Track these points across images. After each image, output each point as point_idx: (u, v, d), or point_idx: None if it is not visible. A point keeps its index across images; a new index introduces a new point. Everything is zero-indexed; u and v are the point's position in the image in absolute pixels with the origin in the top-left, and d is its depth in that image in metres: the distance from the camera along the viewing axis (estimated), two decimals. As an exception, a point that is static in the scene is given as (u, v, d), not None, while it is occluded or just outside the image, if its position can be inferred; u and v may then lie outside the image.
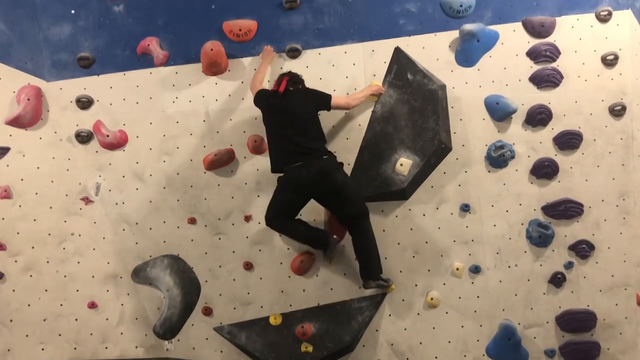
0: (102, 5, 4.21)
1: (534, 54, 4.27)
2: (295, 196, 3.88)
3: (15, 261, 4.19)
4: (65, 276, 4.21)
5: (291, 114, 3.81)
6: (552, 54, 4.26)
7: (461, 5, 4.24)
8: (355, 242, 3.96)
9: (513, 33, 4.28)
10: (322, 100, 3.93)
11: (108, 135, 4.18)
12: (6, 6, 4.18)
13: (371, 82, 4.22)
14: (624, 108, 4.28)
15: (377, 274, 3.96)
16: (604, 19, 4.28)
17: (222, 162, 4.22)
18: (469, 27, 4.19)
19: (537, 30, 4.26)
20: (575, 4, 4.28)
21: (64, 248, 4.21)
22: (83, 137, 4.20)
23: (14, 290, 4.18)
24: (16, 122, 4.14)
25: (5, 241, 4.18)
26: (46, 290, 4.20)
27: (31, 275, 4.20)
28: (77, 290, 4.21)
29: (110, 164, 4.22)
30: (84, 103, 4.21)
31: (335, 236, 4.06)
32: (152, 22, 4.22)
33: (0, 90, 4.19)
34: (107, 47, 4.22)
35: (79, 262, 4.22)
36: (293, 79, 3.93)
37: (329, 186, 3.80)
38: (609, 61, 4.28)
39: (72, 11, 4.20)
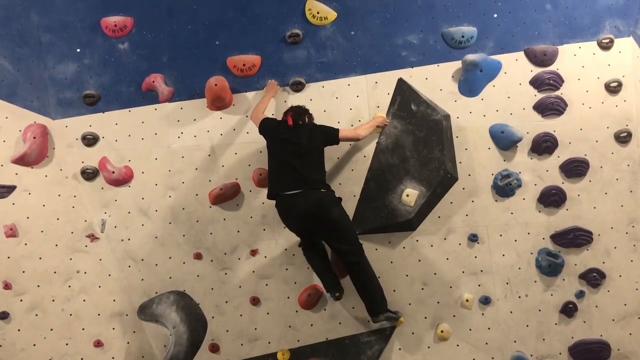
0: (107, 43, 4.25)
1: (537, 83, 4.28)
2: (293, 224, 3.87)
3: (21, 300, 4.16)
4: (70, 314, 4.18)
5: (297, 144, 3.79)
6: (556, 82, 4.27)
7: (463, 36, 4.26)
8: (355, 282, 3.91)
9: (516, 62, 4.30)
10: (331, 135, 3.91)
11: (114, 172, 4.19)
12: (12, 45, 4.24)
13: (375, 114, 4.23)
14: (629, 134, 4.27)
15: (382, 309, 3.91)
16: (606, 47, 4.30)
17: (228, 196, 4.21)
18: (471, 57, 4.21)
19: (540, 58, 4.28)
20: (576, 33, 4.30)
21: (69, 286, 4.19)
22: (89, 174, 4.20)
23: (19, 330, 4.14)
24: (22, 160, 4.16)
25: (10, 280, 4.16)
26: (52, 329, 4.16)
27: (36, 314, 4.16)
28: (83, 329, 4.17)
29: (115, 200, 4.22)
30: (90, 140, 4.23)
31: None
32: (156, 59, 4.26)
33: (6, 129, 4.21)
34: (112, 84, 4.26)
35: (84, 300, 4.19)
36: (297, 112, 3.93)
37: (324, 219, 3.75)
38: (613, 88, 4.28)
39: (78, 50, 4.25)
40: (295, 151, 3.78)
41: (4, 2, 4.22)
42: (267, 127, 3.93)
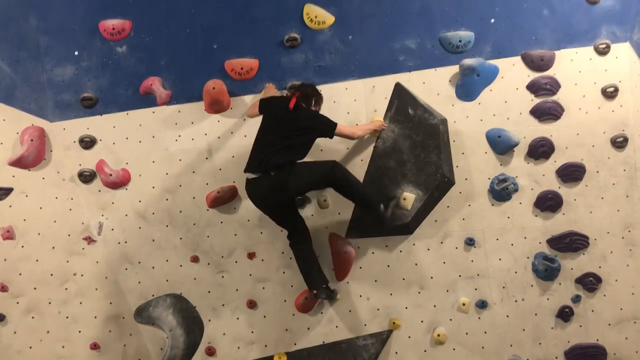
0: (105, 46, 4.26)
1: (534, 87, 4.29)
2: (266, 210, 3.85)
3: (17, 302, 4.16)
4: (67, 317, 4.18)
5: (289, 127, 3.70)
6: (552, 87, 4.28)
7: (460, 41, 4.28)
8: (343, 193, 3.85)
9: (513, 67, 4.31)
10: (328, 128, 3.82)
11: (111, 175, 4.19)
12: (10, 48, 4.24)
13: (373, 118, 4.24)
14: (625, 140, 4.28)
15: (373, 203, 3.92)
16: (602, 52, 4.31)
17: (225, 199, 4.21)
18: (468, 61, 4.22)
19: (537, 63, 4.29)
20: (573, 38, 4.32)
21: (66, 288, 4.19)
22: (86, 177, 4.20)
23: (15, 333, 4.15)
24: (19, 162, 4.16)
25: (7, 282, 4.16)
26: (48, 332, 4.16)
27: (33, 317, 4.16)
28: (79, 332, 4.17)
29: (113, 203, 4.22)
30: (87, 143, 4.23)
31: (335, 290, 4.08)
32: (154, 62, 4.26)
33: (3, 132, 4.22)
34: (110, 87, 4.26)
35: (81, 303, 4.19)
36: (304, 95, 3.82)
37: (288, 196, 3.73)
38: (609, 93, 4.30)
39: (76, 52, 4.25)
40: (285, 134, 3.69)
41: (3, 5, 4.21)
42: (269, 103, 3.87)
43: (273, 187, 3.65)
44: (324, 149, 4.18)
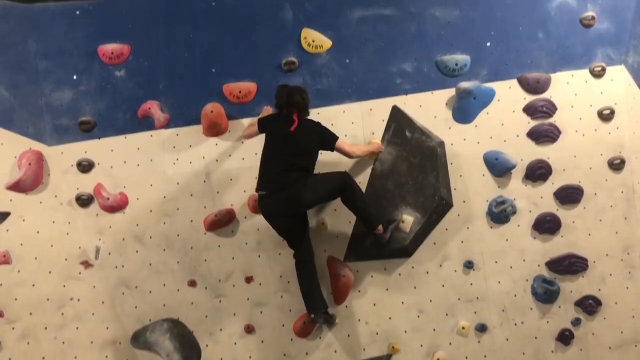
0: (104, 70, 4.28)
1: (530, 110, 4.32)
2: (278, 226, 3.88)
3: (13, 328, 4.12)
4: (63, 342, 4.13)
5: (294, 145, 3.73)
6: (549, 109, 4.31)
7: (456, 64, 4.31)
8: (348, 202, 3.88)
9: (509, 90, 4.34)
10: (328, 141, 3.88)
11: (108, 198, 4.18)
12: (9, 72, 4.26)
13: (370, 141, 4.25)
14: (622, 161, 4.29)
15: (377, 223, 3.92)
16: (598, 75, 4.35)
17: (223, 222, 4.20)
18: (465, 84, 4.25)
19: (533, 86, 4.32)
20: (569, 61, 4.36)
21: (62, 313, 4.15)
22: (83, 201, 4.19)
23: (10, 359, 4.09)
24: (17, 186, 4.15)
25: (2, 307, 4.13)
26: (43, 358, 4.11)
27: (28, 343, 4.12)
28: (76, 357, 4.13)
29: (110, 227, 4.21)
30: (85, 166, 4.23)
31: (333, 315, 4.05)
32: (153, 86, 4.28)
33: (1, 155, 4.22)
34: (108, 111, 4.27)
35: (77, 328, 4.15)
36: (300, 109, 3.82)
37: (302, 209, 3.82)
38: (606, 115, 4.32)
39: (74, 77, 4.27)
40: (293, 150, 3.73)
41: (2, 30, 4.25)
42: (268, 121, 3.91)
43: (287, 201, 3.69)
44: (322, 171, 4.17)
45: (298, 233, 3.94)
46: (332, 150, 3.93)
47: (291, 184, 3.68)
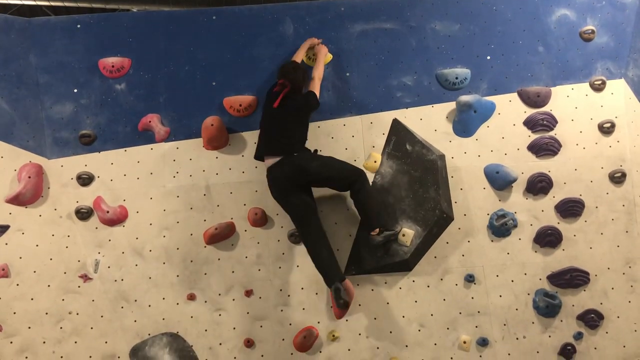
0: (104, 84, 4.28)
1: (531, 123, 4.31)
2: (285, 194, 3.90)
3: (11, 342, 4.09)
4: (62, 357, 4.10)
5: (281, 116, 3.89)
6: (549, 122, 4.31)
7: (457, 78, 4.31)
8: (357, 206, 3.98)
9: (509, 103, 4.34)
10: (312, 104, 3.98)
11: (108, 211, 4.17)
12: (10, 86, 4.26)
13: (371, 154, 4.25)
14: (624, 175, 4.29)
15: (381, 224, 3.98)
16: (598, 88, 4.35)
17: (223, 235, 4.18)
18: (465, 98, 4.25)
19: (533, 100, 4.33)
20: (569, 74, 4.36)
21: (61, 327, 4.13)
22: (83, 214, 4.18)
23: (8, 374, 4.07)
24: (16, 200, 4.14)
25: (1, 321, 4.10)
26: (41, 373, 4.09)
27: (26, 357, 4.09)
28: (74, 372, 4.10)
29: (109, 240, 4.19)
30: (85, 180, 4.22)
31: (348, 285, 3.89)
32: (153, 99, 4.28)
33: (1, 169, 4.21)
34: (108, 124, 4.27)
35: (76, 342, 4.12)
36: (294, 86, 3.95)
37: (307, 178, 3.88)
38: (606, 129, 4.32)
39: (75, 90, 4.27)
40: (279, 121, 3.89)
41: (3, 44, 4.25)
42: (267, 95, 4.06)
43: (295, 167, 3.81)
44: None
45: (306, 205, 3.92)
46: (318, 105, 4.01)
47: (286, 150, 3.84)
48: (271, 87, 4.09)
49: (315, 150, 4.04)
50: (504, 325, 4.19)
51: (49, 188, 4.22)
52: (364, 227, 4.03)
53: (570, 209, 4.26)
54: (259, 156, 4.02)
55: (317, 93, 4.02)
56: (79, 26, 4.31)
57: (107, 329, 4.13)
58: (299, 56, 4.20)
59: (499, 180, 4.25)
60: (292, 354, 4.12)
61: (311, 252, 3.94)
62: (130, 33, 4.31)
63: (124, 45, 4.31)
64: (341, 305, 3.77)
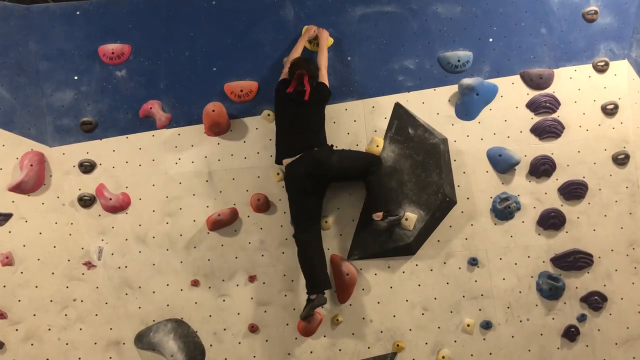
0: (105, 71, 4.27)
1: (534, 106, 4.29)
2: (300, 193, 3.90)
3: (16, 330, 4.11)
4: (67, 344, 4.12)
5: (301, 111, 3.89)
6: (552, 104, 4.28)
7: (459, 61, 4.29)
8: (371, 177, 3.97)
9: (512, 86, 4.31)
10: (326, 95, 4.01)
11: (111, 199, 4.17)
12: (10, 74, 4.24)
13: (373, 138, 4.23)
14: (627, 156, 4.27)
15: (386, 208, 3.99)
16: (601, 70, 4.32)
17: (226, 221, 4.18)
18: (467, 81, 4.23)
19: (536, 82, 4.30)
20: (572, 56, 4.33)
21: (65, 315, 4.14)
22: (86, 201, 4.18)
23: (14, 360, 4.09)
24: (19, 188, 4.14)
25: (5, 309, 4.11)
26: (47, 359, 4.10)
27: (32, 344, 4.11)
28: (79, 358, 4.11)
29: (112, 228, 4.19)
30: (87, 167, 4.21)
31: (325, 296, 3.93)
32: (154, 86, 4.27)
33: (3, 157, 4.20)
34: (109, 112, 4.25)
35: (81, 329, 4.13)
36: (312, 76, 3.91)
37: (329, 173, 3.87)
38: (609, 110, 4.29)
39: (75, 77, 4.26)
40: (297, 117, 3.88)
41: (3, 31, 4.23)
42: (277, 88, 4.03)
43: (316, 162, 3.81)
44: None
45: (315, 211, 3.97)
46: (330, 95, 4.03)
47: (307, 146, 3.84)
48: (279, 86, 4.02)
49: (332, 145, 4.03)
50: (508, 308, 4.19)
51: (51, 176, 4.22)
52: (368, 209, 4.02)
53: (574, 191, 4.25)
54: (280, 160, 4.00)
55: (327, 82, 4.02)
56: (78, 13, 4.28)
57: (112, 315, 4.15)
58: (299, 50, 4.15)
59: (501, 163, 4.23)
60: (296, 338, 4.14)
61: (302, 255, 3.94)
62: (129, 19, 4.29)
63: (123, 32, 4.29)
64: (309, 317, 3.95)
